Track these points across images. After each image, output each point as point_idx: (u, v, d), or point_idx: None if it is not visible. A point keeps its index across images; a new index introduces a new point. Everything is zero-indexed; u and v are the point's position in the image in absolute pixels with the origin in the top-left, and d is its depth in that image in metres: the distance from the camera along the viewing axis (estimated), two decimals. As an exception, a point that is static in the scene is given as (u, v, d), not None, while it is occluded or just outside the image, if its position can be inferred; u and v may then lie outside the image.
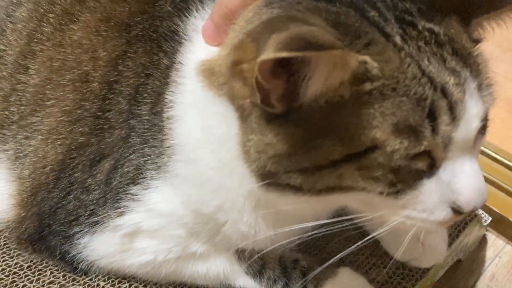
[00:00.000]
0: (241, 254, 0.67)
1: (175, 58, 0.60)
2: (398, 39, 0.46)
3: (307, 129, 0.46)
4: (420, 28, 0.47)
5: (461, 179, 0.47)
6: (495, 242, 1.05)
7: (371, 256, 0.77)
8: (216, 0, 0.54)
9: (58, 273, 0.70)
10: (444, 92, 0.45)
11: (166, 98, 0.59)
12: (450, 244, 0.82)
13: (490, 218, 0.96)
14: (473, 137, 0.48)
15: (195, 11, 0.62)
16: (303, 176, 0.48)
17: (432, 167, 0.47)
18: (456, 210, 0.48)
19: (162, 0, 0.65)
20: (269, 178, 0.49)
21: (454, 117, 0.45)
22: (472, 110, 0.46)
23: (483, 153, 1.21)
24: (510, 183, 1.12)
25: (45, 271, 0.70)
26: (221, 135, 0.54)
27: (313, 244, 0.61)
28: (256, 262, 0.67)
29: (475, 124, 0.47)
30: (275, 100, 0.46)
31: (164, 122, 0.59)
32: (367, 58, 0.44)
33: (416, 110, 0.44)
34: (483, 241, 1.02)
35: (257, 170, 0.50)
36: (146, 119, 0.61)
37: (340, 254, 0.57)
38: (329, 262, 0.57)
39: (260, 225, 0.59)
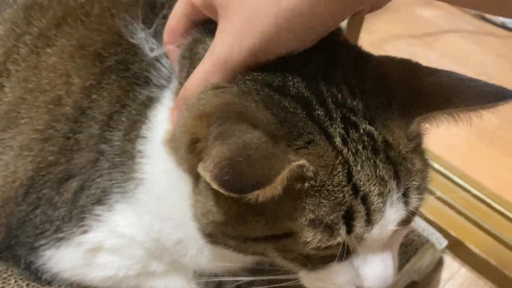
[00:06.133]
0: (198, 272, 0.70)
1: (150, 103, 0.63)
2: (338, 141, 0.48)
3: (241, 206, 0.50)
4: (361, 131, 0.49)
5: (368, 268, 0.54)
6: (451, 264, 1.09)
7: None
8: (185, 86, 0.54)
9: (22, 282, 0.72)
10: (365, 201, 0.49)
11: (140, 132, 0.62)
12: (400, 268, 0.86)
13: (446, 242, 0.99)
14: (388, 236, 0.53)
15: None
16: (236, 242, 0.54)
17: (346, 254, 0.52)
18: None
19: (140, 34, 0.66)
20: (210, 238, 0.55)
21: (369, 222, 0.50)
22: (390, 217, 0.51)
23: (445, 176, 1.26)
24: (469, 208, 1.16)
25: (9, 280, 0.72)
26: (182, 189, 0.57)
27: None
28: (213, 281, 0.70)
29: (391, 227, 0.51)
30: None
31: (136, 153, 0.62)
32: (305, 162, 0.45)
33: (333, 212, 0.48)
34: (439, 262, 1.05)
35: (200, 229, 0.55)
36: (117, 145, 0.63)
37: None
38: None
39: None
